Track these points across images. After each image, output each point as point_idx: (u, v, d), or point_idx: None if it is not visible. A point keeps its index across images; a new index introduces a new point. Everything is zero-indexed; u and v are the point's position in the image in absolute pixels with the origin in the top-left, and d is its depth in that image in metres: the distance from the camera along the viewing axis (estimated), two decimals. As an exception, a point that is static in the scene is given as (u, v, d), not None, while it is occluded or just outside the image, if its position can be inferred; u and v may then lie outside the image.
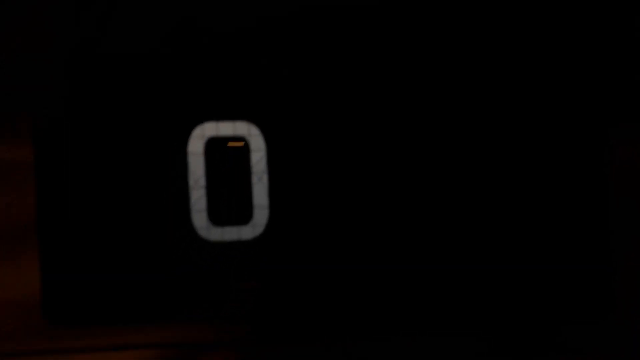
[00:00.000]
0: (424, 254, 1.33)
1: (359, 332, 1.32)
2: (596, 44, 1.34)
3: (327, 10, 1.32)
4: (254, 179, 1.31)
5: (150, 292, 1.29)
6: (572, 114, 1.35)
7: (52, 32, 1.26)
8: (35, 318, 1.26)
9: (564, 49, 1.35)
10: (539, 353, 1.31)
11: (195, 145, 1.31)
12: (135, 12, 1.28)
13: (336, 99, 1.33)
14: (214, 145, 1.31)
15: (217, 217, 1.31)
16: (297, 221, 1.32)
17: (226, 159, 1.31)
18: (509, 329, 1.33)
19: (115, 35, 1.28)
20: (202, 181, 1.30)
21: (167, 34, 1.30)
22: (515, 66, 1.34)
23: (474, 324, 1.32)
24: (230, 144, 1.29)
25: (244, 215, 1.31)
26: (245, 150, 1.31)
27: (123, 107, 1.29)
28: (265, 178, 1.32)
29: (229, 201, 1.31)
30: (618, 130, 1.33)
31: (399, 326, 1.32)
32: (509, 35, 1.34)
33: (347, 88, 1.33)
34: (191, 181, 1.30)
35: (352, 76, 1.33)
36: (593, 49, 1.35)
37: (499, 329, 1.32)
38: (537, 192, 1.34)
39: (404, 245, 1.33)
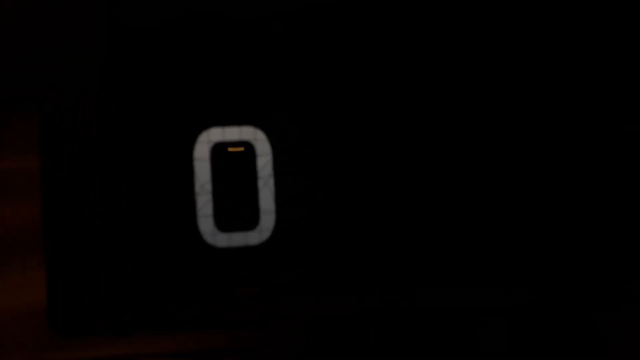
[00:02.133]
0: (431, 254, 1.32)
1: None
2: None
3: (329, 11, 1.31)
4: (260, 183, 1.31)
5: (158, 300, 1.28)
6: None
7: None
8: (41, 328, 1.26)
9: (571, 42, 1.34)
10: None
11: (201, 150, 1.30)
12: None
13: (342, 104, 1.32)
14: (220, 151, 1.30)
15: (223, 222, 1.30)
16: (304, 226, 1.31)
17: (232, 164, 1.30)
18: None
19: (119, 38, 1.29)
20: (208, 187, 1.30)
21: (172, 36, 1.29)
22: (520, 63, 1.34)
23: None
24: (230, 149, 1.29)
25: (250, 220, 1.31)
26: (251, 155, 1.31)
27: (128, 113, 1.29)
28: (271, 183, 1.31)
29: (236, 206, 1.30)
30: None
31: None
32: (512, 29, 1.34)
33: (353, 92, 1.32)
34: (197, 187, 1.30)
35: (357, 80, 1.32)
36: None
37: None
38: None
39: (412, 247, 1.32)
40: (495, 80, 1.33)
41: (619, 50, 1.33)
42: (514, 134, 1.34)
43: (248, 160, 1.31)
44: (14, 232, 1.25)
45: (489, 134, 1.33)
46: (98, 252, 1.27)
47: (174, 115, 1.29)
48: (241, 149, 1.29)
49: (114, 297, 1.28)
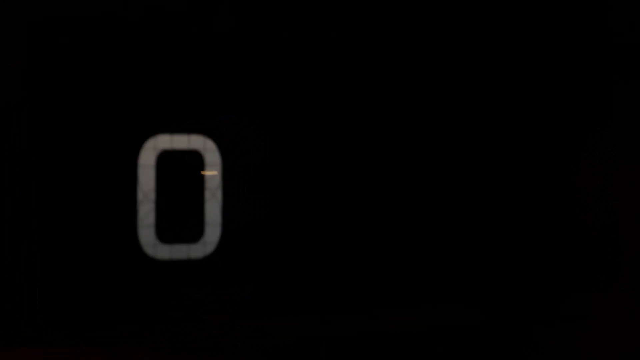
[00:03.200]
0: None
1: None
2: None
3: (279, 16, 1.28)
4: (207, 194, 1.26)
5: (93, 308, 1.22)
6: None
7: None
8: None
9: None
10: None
11: (147, 157, 1.24)
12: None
13: (295, 117, 1.29)
14: (167, 159, 1.25)
15: (165, 233, 1.25)
16: (250, 239, 1.27)
17: (179, 173, 1.25)
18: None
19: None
20: (152, 195, 1.24)
21: (123, 34, 1.23)
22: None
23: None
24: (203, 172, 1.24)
25: (194, 232, 1.26)
26: (199, 165, 1.26)
27: (73, 112, 1.21)
28: (219, 194, 1.26)
29: (180, 217, 1.25)
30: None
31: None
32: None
33: (307, 107, 1.29)
34: (140, 195, 1.24)
35: (309, 89, 1.29)
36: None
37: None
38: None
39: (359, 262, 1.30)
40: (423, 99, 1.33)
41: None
42: (449, 156, 1.34)
43: (196, 171, 1.26)
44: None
45: (429, 156, 1.33)
46: (30, 261, 1.20)
47: (120, 119, 1.23)
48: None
49: (47, 308, 1.21)
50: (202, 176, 1.25)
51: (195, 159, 1.26)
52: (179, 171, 1.25)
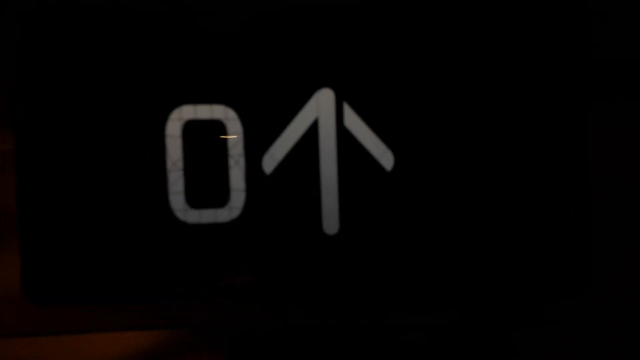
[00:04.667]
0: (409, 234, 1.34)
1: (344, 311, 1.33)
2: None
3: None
4: (231, 162, 1.32)
5: (130, 273, 1.31)
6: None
7: None
8: (18, 301, 1.29)
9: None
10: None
11: (173, 127, 1.32)
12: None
13: (314, 84, 1.33)
14: (192, 128, 1.32)
15: (194, 199, 1.32)
16: (274, 204, 1.33)
17: (204, 142, 1.32)
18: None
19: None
20: (180, 163, 1.32)
21: (145, 15, 1.30)
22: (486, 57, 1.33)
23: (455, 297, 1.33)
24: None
25: (221, 197, 1.33)
26: (222, 134, 1.32)
27: (100, 89, 1.30)
28: (242, 161, 1.32)
29: (207, 184, 1.32)
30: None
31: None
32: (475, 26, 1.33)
33: (327, 74, 1.33)
34: (169, 163, 1.32)
35: (330, 63, 1.33)
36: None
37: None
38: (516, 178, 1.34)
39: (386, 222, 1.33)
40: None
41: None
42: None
43: (219, 139, 1.32)
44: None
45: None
46: (72, 227, 1.30)
47: (146, 92, 1.31)
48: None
49: (88, 269, 1.31)
50: (226, 144, 1.32)
51: (218, 128, 1.33)
52: (204, 140, 1.32)
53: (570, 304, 1.34)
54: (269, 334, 1.31)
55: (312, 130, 1.34)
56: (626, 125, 1.35)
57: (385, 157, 1.35)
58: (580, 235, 1.35)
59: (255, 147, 1.32)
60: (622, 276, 1.34)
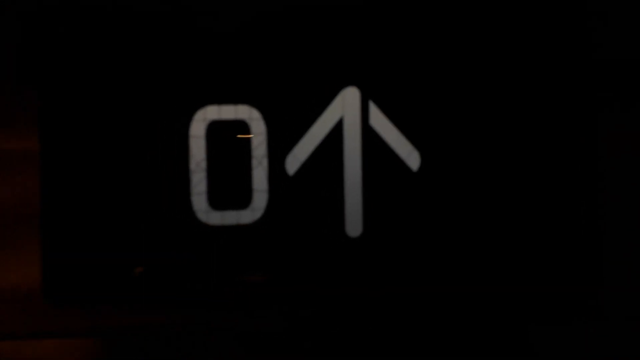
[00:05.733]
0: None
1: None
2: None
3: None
4: (254, 162, 1.31)
5: (151, 274, 1.31)
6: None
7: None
8: (37, 302, 1.29)
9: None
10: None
11: (197, 128, 1.31)
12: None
13: (339, 83, 1.32)
14: (216, 129, 1.31)
15: (217, 200, 1.31)
16: (296, 205, 1.32)
17: (227, 142, 1.31)
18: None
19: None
20: (203, 164, 1.31)
21: (169, 15, 1.29)
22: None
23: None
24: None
25: (243, 199, 1.32)
26: (246, 134, 1.31)
27: (125, 90, 1.29)
28: (265, 162, 1.31)
29: (229, 185, 1.31)
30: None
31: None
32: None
33: (349, 73, 1.32)
34: (192, 164, 1.31)
35: (351, 62, 1.32)
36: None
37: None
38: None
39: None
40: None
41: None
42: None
43: (243, 140, 1.31)
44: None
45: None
46: (93, 228, 1.30)
47: (171, 92, 1.30)
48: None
49: (109, 270, 1.31)
50: (249, 145, 1.31)
51: (242, 129, 1.31)
52: (228, 141, 1.31)
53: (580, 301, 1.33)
54: (280, 335, 1.31)
55: (337, 130, 1.33)
56: (626, 126, 1.32)
57: (411, 158, 1.33)
58: (591, 230, 1.33)
59: (278, 148, 1.31)
60: (632, 273, 1.33)
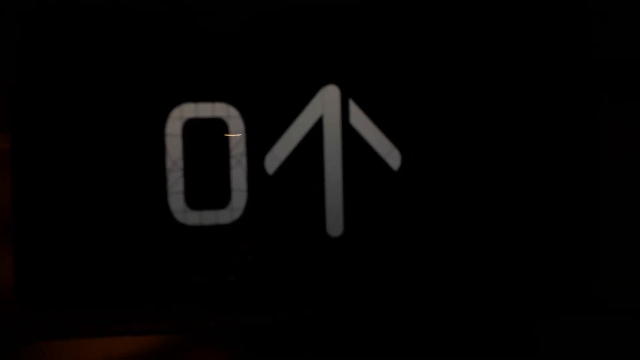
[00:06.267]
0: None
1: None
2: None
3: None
4: (233, 162, 1.29)
5: (126, 278, 1.28)
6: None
7: None
8: (9, 305, 1.26)
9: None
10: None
11: (174, 126, 1.28)
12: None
13: (318, 82, 1.30)
14: (193, 127, 1.28)
15: (194, 200, 1.28)
16: (276, 205, 1.29)
17: (205, 141, 1.28)
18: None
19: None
20: (180, 163, 1.28)
21: (147, 14, 1.27)
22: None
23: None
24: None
25: (222, 198, 1.29)
26: (224, 132, 1.28)
27: (100, 88, 1.27)
28: (244, 161, 1.29)
29: (207, 184, 1.28)
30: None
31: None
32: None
33: (329, 72, 1.30)
34: (169, 163, 1.28)
35: (332, 60, 1.30)
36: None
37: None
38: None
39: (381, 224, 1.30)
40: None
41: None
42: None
43: (221, 138, 1.29)
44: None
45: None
46: (66, 229, 1.27)
47: (146, 90, 1.27)
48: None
49: (82, 272, 1.27)
50: (228, 143, 1.28)
51: (220, 127, 1.29)
52: (205, 139, 1.28)
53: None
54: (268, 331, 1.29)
55: (317, 129, 1.30)
56: (626, 126, 1.32)
57: (391, 156, 1.31)
58: (589, 229, 1.32)
59: (257, 147, 1.29)
60: (631, 274, 1.33)
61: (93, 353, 1.28)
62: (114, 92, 1.26)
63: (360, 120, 1.31)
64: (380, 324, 1.31)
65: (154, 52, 1.26)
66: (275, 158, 1.29)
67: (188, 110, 1.28)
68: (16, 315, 1.26)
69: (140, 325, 1.29)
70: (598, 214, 1.32)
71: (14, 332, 1.26)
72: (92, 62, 1.26)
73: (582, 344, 1.31)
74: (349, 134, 1.31)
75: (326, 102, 1.30)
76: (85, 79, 1.26)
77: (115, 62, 1.26)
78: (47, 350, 1.27)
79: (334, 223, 1.30)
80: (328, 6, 1.29)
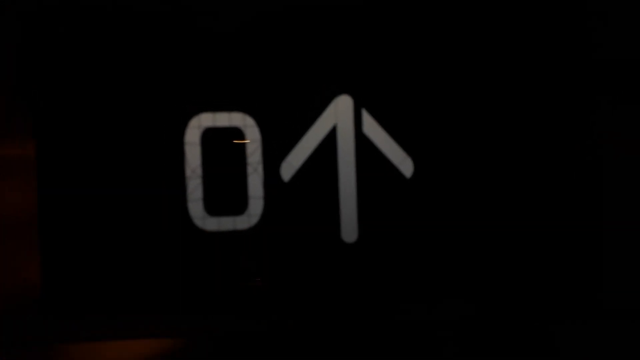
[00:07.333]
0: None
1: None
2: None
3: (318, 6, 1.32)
4: (249, 169, 1.32)
5: (147, 282, 1.31)
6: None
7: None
8: (35, 310, 1.29)
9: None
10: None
11: (192, 135, 1.32)
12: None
13: (332, 91, 1.33)
14: (211, 136, 1.32)
15: (213, 206, 1.32)
16: (292, 211, 1.33)
17: (222, 149, 1.32)
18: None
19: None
20: (199, 170, 1.32)
21: (163, 23, 1.31)
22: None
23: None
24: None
25: (239, 205, 1.33)
26: (240, 141, 1.32)
27: (121, 97, 1.31)
28: (260, 169, 1.32)
29: (225, 191, 1.32)
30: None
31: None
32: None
33: (345, 80, 1.33)
34: (188, 171, 1.32)
35: (346, 68, 1.33)
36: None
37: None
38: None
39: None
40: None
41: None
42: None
43: (238, 146, 1.32)
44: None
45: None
46: (91, 235, 1.30)
47: (166, 99, 1.31)
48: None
49: (107, 279, 1.31)
50: (244, 151, 1.32)
51: (237, 136, 1.33)
52: (223, 147, 1.32)
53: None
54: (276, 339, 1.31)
55: (330, 138, 1.34)
56: (626, 126, 1.34)
57: (404, 164, 1.34)
58: (590, 232, 1.34)
59: (273, 155, 1.32)
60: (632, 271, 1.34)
61: (111, 356, 1.31)
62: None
63: (373, 129, 1.34)
64: (394, 329, 1.33)
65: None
66: (290, 166, 1.33)
67: (206, 120, 1.32)
68: (38, 320, 1.29)
69: (158, 329, 1.31)
70: (602, 217, 1.33)
71: (32, 335, 1.29)
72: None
73: (589, 349, 1.32)
74: (362, 143, 1.34)
75: (339, 111, 1.34)
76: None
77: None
78: (68, 352, 1.30)
79: (349, 230, 1.34)
80: (342, 16, 1.32)
